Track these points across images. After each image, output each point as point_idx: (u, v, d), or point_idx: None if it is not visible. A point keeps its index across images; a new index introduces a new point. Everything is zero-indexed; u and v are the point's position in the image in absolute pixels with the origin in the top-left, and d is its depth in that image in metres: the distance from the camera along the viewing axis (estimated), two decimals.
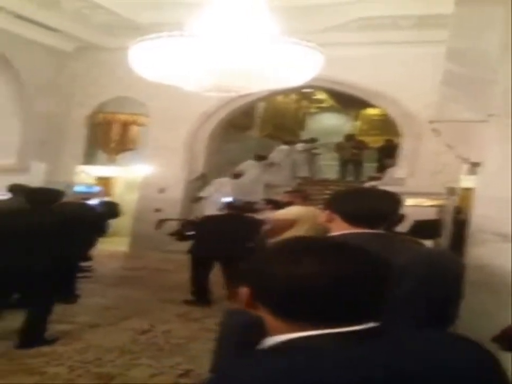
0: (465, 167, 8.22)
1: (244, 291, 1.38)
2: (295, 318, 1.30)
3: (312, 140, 17.38)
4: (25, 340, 5.66)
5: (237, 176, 14.05)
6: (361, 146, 17.02)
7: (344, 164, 16.96)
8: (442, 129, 4.20)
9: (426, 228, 7.83)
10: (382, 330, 1.32)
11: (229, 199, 10.85)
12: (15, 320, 5.79)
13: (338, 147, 17.13)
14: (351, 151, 16.67)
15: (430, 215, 8.81)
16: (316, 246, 1.38)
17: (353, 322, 1.29)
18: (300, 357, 1.24)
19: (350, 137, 17.28)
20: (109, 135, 14.27)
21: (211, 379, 1.34)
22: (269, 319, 1.35)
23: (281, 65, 6.82)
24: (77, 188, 10.49)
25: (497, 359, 1.42)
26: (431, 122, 4.27)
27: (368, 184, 11.67)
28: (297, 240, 1.46)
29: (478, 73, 4.06)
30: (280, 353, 1.28)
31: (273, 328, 1.34)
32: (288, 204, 7.81)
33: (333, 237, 2.37)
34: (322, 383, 1.20)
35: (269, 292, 1.33)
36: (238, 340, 2.31)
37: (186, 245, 8.70)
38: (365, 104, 14.98)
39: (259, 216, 9.60)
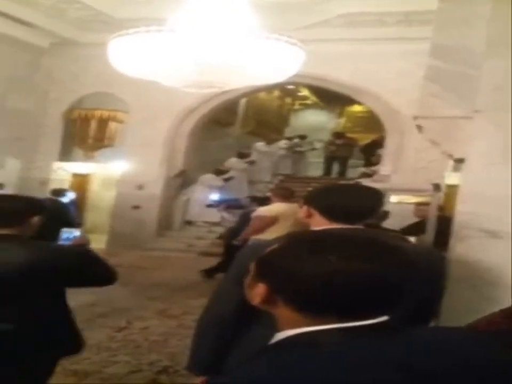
0: (450, 163, 8.23)
1: (260, 288, 1.37)
2: (315, 312, 1.31)
3: (302, 137, 17.39)
4: None
5: (221, 172, 14.02)
6: (351, 143, 16.99)
7: (329, 161, 16.92)
8: (426, 125, 4.17)
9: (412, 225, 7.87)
10: (394, 325, 1.33)
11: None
12: None
13: (328, 144, 17.10)
14: (338, 148, 16.61)
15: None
16: (340, 242, 1.37)
17: (368, 316, 1.30)
18: (311, 353, 1.25)
19: (339, 135, 17.22)
20: (86, 131, 14.10)
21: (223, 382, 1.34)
22: (285, 313, 1.35)
23: (263, 61, 6.80)
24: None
25: None
26: (414, 118, 4.22)
27: (357, 181, 11.67)
28: (320, 235, 1.47)
29: (462, 69, 4.03)
30: (290, 349, 1.30)
31: (289, 322, 1.34)
32: (269, 200, 7.85)
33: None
34: (332, 380, 1.20)
35: (294, 288, 1.32)
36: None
37: (163, 243, 8.70)
38: (349, 101, 14.99)
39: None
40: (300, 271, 1.30)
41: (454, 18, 4.19)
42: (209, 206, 12.61)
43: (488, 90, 3.70)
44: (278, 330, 1.37)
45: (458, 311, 3.30)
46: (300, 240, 1.42)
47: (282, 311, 1.35)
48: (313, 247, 1.35)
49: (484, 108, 3.70)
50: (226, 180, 14.29)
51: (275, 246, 1.41)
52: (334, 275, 1.27)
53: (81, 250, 3.12)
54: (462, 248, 3.72)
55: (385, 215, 8.27)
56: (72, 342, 3.18)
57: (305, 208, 2.50)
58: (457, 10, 4.17)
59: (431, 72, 4.22)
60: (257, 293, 1.38)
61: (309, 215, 2.47)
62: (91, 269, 3.05)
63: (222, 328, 2.33)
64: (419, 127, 4.14)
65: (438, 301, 2.58)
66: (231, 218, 11.05)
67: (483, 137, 3.69)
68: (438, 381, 1.25)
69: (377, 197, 2.60)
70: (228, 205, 11.70)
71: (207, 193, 13.36)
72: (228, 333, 2.32)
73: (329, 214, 2.41)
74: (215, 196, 12.58)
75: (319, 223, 2.41)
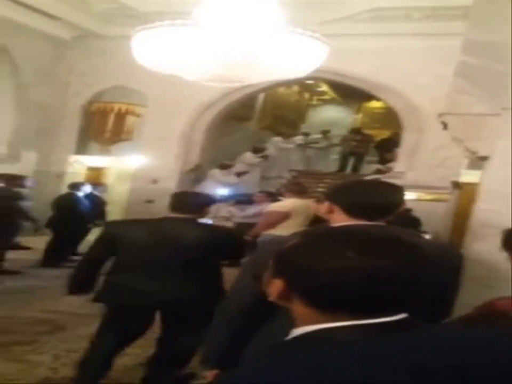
0: (466, 161, 8.16)
1: (277, 283, 1.37)
2: (331, 308, 1.30)
3: (324, 132, 17.39)
4: None
5: (226, 167, 13.93)
6: (368, 140, 16.88)
7: (346, 156, 16.82)
8: (451, 122, 4.09)
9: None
10: (412, 322, 1.32)
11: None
12: None
13: (344, 140, 16.98)
14: (355, 144, 16.49)
15: (431, 208, 8.77)
16: (358, 239, 1.36)
17: (386, 313, 1.29)
18: (328, 350, 1.23)
19: (356, 131, 17.11)
20: (104, 125, 13.98)
21: (234, 375, 1.28)
22: (300, 309, 1.34)
23: (286, 55, 6.74)
24: None
25: None
26: (440, 115, 4.14)
27: (371, 177, 11.57)
28: (337, 231, 1.56)
29: (494, 66, 3.96)
30: (306, 345, 1.28)
31: (304, 318, 1.34)
32: (282, 196, 7.85)
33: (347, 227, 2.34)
34: (350, 378, 1.17)
35: (310, 283, 1.31)
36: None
37: None
38: (367, 96, 14.87)
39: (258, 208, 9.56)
40: (317, 266, 1.29)
41: (489, 15, 4.12)
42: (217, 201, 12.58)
43: None
44: (295, 326, 1.36)
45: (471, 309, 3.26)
46: (318, 236, 1.41)
47: (298, 307, 1.35)
48: (331, 243, 1.34)
49: None
50: (240, 174, 14.20)
51: (293, 241, 1.40)
52: (352, 271, 1.26)
53: (234, 233, 4.83)
54: (480, 246, 3.66)
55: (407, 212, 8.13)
56: None
57: (326, 204, 2.49)
58: (493, 6, 4.10)
59: (461, 68, 4.14)
60: (274, 288, 1.37)
61: (330, 211, 2.46)
62: (239, 247, 4.34)
63: (237, 323, 2.34)
64: (444, 124, 4.06)
65: (450, 299, 2.56)
66: (239, 213, 10.98)
67: (510, 135, 3.61)
68: (453, 381, 1.20)
69: (398, 193, 2.58)
70: (236, 200, 11.63)
71: (218, 188, 13.30)
72: (243, 327, 2.33)
73: (350, 210, 2.40)
74: (224, 191, 12.51)
75: (340, 219, 2.39)
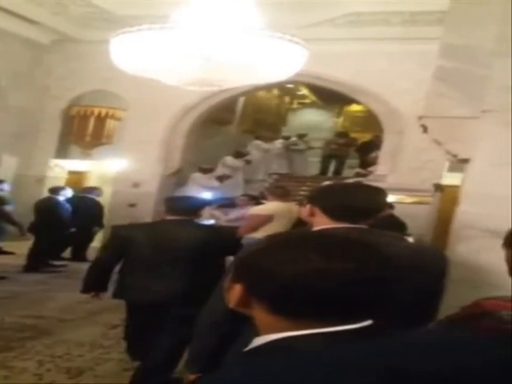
0: (447, 164, 8.23)
1: (236, 288, 1.31)
2: (293, 314, 1.23)
3: (301, 136, 17.35)
4: None
5: (206, 171, 13.89)
6: (351, 143, 16.87)
7: (327, 159, 16.83)
8: (431, 125, 4.13)
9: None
10: (380, 329, 1.25)
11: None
12: None
13: (327, 143, 16.98)
14: (339, 147, 16.49)
15: (413, 211, 8.81)
16: (322, 242, 1.30)
17: (352, 320, 1.22)
18: (289, 360, 1.14)
19: (341, 134, 17.13)
20: (84, 128, 13.92)
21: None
22: (262, 316, 1.28)
23: (265, 59, 6.75)
24: None
25: None
26: (420, 118, 4.17)
27: (353, 180, 11.61)
28: (301, 235, 1.41)
29: (472, 69, 4.00)
30: (270, 354, 1.21)
31: (267, 326, 1.27)
32: (265, 199, 7.84)
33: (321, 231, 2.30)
34: None
35: (271, 288, 1.24)
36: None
37: None
38: (348, 100, 14.93)
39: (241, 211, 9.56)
40: (277, 270, 1.22)
41: (465, 18, 4.16)
42: None
43: (497, 90, 3.66)
44: (258, 335, 1.29)
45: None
46: (281, 240, 1.35)
47: (259, 315, 1.29)
48: (294, 246, 1.28)
49: (492, 108, 3.66)
50: (221, 178, 14.16)
51: (255, 246, 1.34)
52: (315, 275, 1.20)
53: (230, 230, 5.10)
54: (463, 248, 3.69)
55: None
56: None
57: (308, 207, 2.46)
58: (469, 10, 4.14)
59: (439, 72, 4.18)
60: (233, 294, 1.32)
61: (312, 214, 2.43)
62: (235, 244, 4.44)
63: (218, 328, 2.32)
64: (424, 127, 4.10)
65: (435, 302, 2.49)
66: (222, 217, 10.96)
67: (490, 137, 3.66)
68: None
69: (380, 196, 2.56)
70: (219, 203, 11.61)
71: (201, 192, 13.28)
72: (228, 330, 2.28)
73: (332, 213, 2.37)
74: (207, 195, 12.51)
75: (322, 222, 2.37)
